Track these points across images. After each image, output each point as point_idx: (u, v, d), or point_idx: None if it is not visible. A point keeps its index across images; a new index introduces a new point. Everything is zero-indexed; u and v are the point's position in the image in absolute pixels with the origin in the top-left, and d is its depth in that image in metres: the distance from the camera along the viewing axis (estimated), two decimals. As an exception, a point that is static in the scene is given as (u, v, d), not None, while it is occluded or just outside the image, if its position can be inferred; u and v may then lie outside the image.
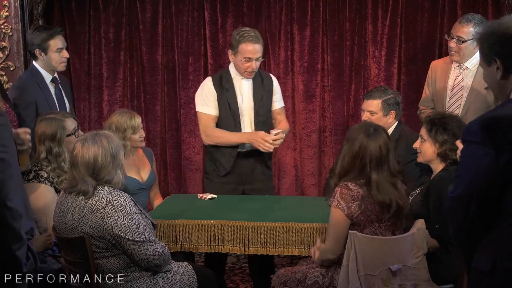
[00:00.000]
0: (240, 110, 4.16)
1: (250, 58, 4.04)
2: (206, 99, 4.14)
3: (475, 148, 2.03)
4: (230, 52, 4.12)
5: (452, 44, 4.13)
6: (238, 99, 4.15)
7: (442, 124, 3.45)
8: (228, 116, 4.14)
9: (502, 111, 2.08)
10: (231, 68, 4.18)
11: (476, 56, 4.11)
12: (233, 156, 4.16)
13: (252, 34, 4.06)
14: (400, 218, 3.12)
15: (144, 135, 4.15)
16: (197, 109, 4.23)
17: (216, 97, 4.13)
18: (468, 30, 4.07)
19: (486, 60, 2.16)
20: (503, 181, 2.00)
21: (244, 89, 4.18)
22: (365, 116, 4.08)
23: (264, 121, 4.24)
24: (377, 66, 5.28)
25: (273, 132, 4.07)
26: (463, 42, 4.08)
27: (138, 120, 4.07)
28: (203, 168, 4.40)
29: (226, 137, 4.14)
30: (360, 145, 3.05)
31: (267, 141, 4.01)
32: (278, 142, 4.07)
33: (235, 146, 4.14)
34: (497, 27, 2.12)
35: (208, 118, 4.14)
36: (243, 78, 4.17)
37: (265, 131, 4.11)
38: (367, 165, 3.05)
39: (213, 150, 4.20)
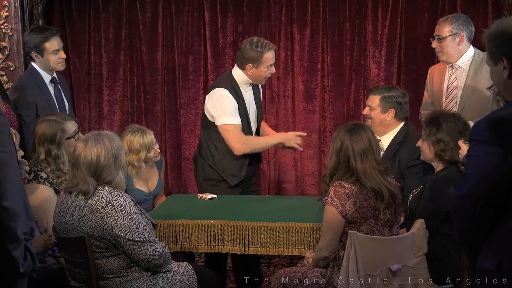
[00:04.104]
0: (250, 117, 4.22)
1: (271, 64, 4.12)
2: (231, 110, 4.08)
3: (483, 147, 2.03)
4: (250, 66, 4.07)
5: (434, 44, 4.17)
6: (247, 107, 4.20)
7: (436, 123, 3.45)
8: (244, 125, 4.17)
9: (509, 111, 2.09)
10: (237, 77, 4.15)
11: (468, 54, 4.14)
12: (246, 165, 4.18)
13: (266, 41, 4.15)
14: (395, 211, 3.14)
15: (159, 150, 4.06)
16: (222, 122, 4.08)
17: (238, 107, 4.12)
18: (444, 27, 4.11)
19: (493, 59, 2.16)
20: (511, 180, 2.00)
21: (249, 97, 4.23)
22: (365, 110, 4.11)
23: (259, 123, 4.37)
24: (377, 66, 5.28)
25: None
26: (441, 39, 4.11)
27: (150, 136, 3.94)
28: (199, 174, 4.31)
29: (264, 143, 4.23)
30: (342, 141, 3.14)
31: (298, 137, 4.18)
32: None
33: (246, 155, 4.16)
34: (506, 26, 2.13)
35: (237, 128, 4.09)
36: (248, 86, 4.20)
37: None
38: (351, 157, 3.10)
39: (219, 160, 4.17)
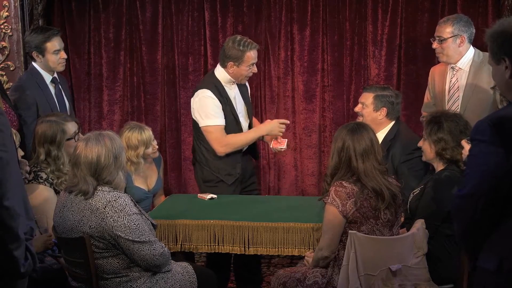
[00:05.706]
0: (239, 115, 4.20)
1: (253, 63, 4.10)
2: (213, 111, 4.06)
3: (484, 147, 2.04)
4: (231, 64, 4.05)
5: (435, 45, 4.17)
6: (234, 105, 4.18)
7: (437, 122, 3.47)
8: (233, 123, 4.15)
9: (511, 110, 2.09)
10: (220, 76, 4.14)
11: (468, 55, 4.14)
12: (239, 162, 4.16)
13: (249, 40, 4.11)
14: (396, 211, 3.14)
15: (157, 147, 4.09)
16: (204, 124, 4.08)
17: (221, 108, 4.10)
18: (446, 29, 4.11)
19: (495, 58, 2.16)
20: None
21: (235, 95, 4.22)
22: (358, 107, 4.12)
23: (251, 118, 4.35)
24: (377, 66, 5.28)
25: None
26: (443, 41, 4.11)
27: (148, 133, 4.00)
28: (198, 177, 4.31)
29: (244, 139, 4.14)
30: (344, 140, 3.14)
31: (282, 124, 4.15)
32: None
33: (238, 152, 4.15)
34: (507, 25, 2.13)
35: (219, 129, 4.08)
36: (233, 84, 4.18)
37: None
38: (352, 156, 3.10)
39: (212, 161, 4.15)
